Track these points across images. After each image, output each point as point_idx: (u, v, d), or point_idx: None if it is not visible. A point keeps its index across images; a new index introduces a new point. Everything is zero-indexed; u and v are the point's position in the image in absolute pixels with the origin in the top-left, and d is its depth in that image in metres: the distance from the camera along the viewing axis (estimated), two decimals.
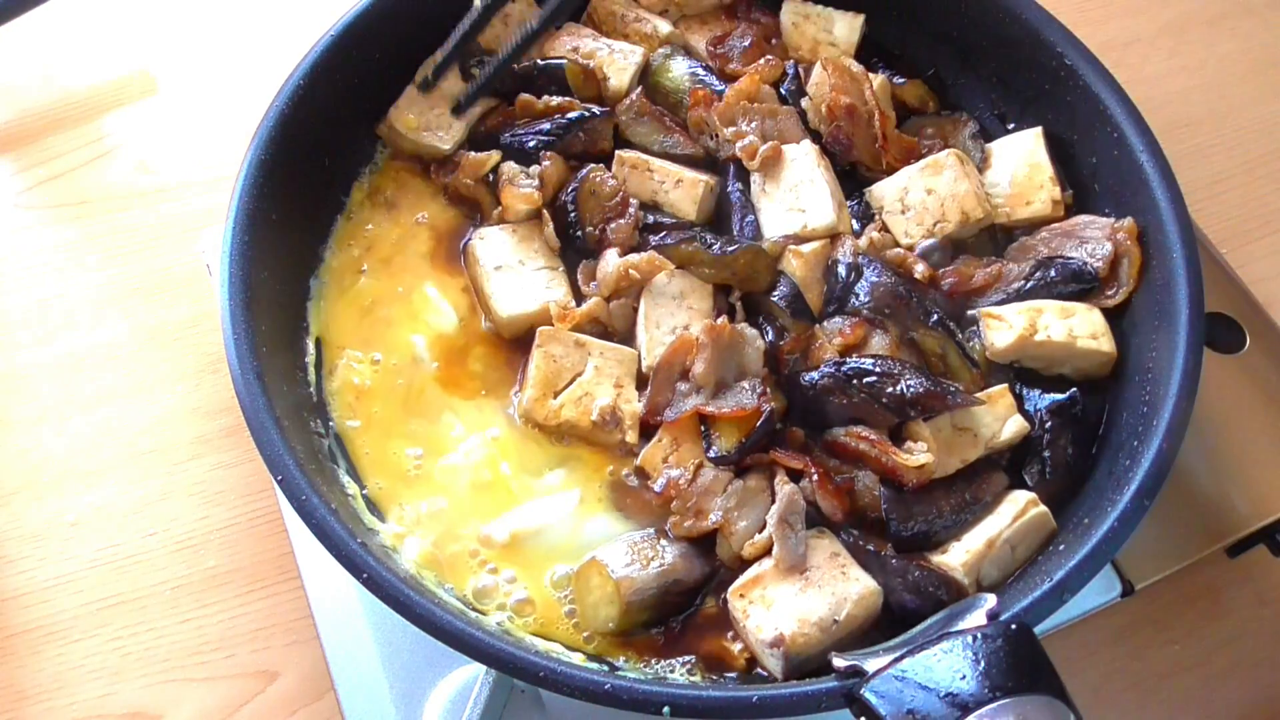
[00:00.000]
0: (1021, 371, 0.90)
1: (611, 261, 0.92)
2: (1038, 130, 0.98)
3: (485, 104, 1.03)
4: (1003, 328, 0.88)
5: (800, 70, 1.04)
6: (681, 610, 0.83)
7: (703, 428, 0.86)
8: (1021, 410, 0.87)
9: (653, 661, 0.81)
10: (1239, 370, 0.99)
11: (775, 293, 0.92)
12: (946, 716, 0.61)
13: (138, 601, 0.97)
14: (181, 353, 1.10)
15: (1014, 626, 0.66)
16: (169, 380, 1.08)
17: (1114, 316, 0.90)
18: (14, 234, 1.17)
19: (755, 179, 0.97)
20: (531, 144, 0.98)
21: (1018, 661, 0.64)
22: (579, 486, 0.88)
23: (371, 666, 0.88)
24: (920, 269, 0.92)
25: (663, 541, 0.84)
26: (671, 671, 0.81)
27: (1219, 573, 0.98)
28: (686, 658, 0.82)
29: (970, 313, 0.92)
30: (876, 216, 0.97)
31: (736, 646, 0.81)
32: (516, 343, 0.94)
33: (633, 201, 0.97)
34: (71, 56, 1.30)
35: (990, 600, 0.71)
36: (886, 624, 0.80)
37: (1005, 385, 0.88)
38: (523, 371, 0.92)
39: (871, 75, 1.00)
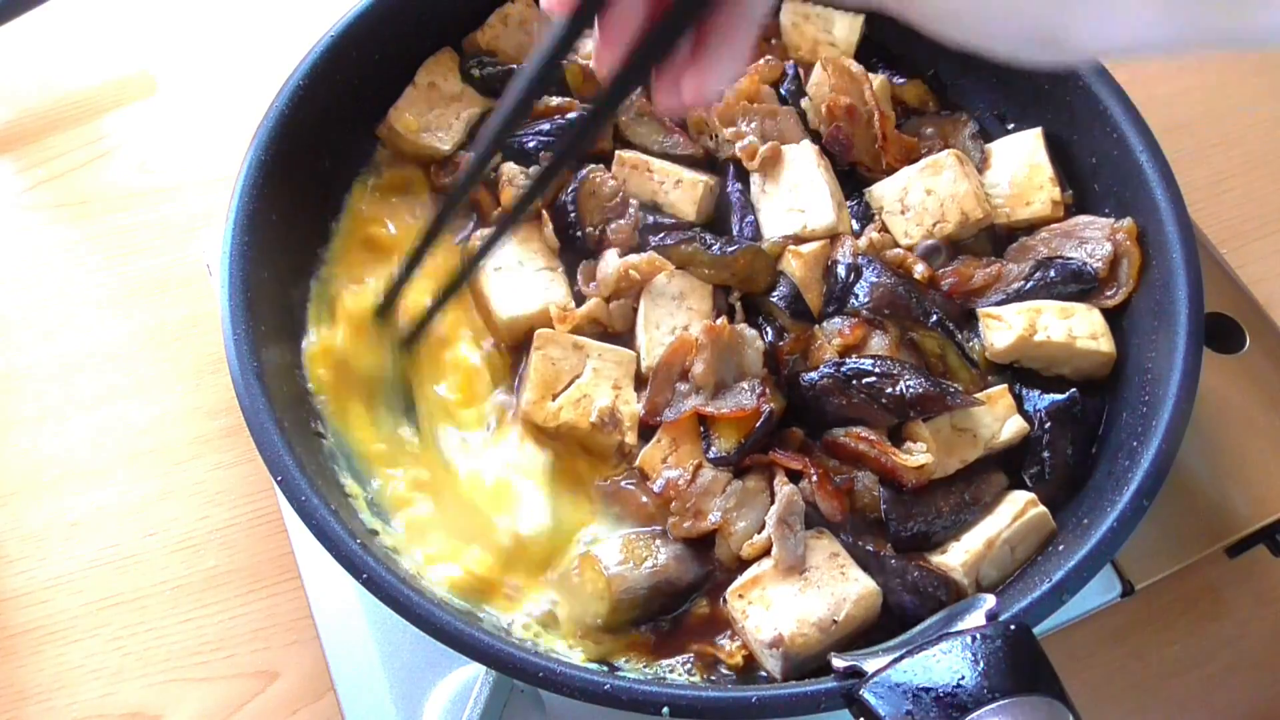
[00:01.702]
0: (1021, 372, 0.90)
1: (611, 262, 0.92)
2: (1038, 130, 0.98)
3: (485, 104, 1.03)
4: (1002, 328, 0.88)
5: (800, 70, 1.04)
6: (670, 611, 0.83)
7: (702, 428, 0.86)
8: (1021, 411, 0.88)
9: (653, 662, 0.81)
10: (1239, 370, 0.99)
11: (775, 293, 0.92)
12: (945, 717, 0.61)
13: (138, 601, 0.97)
14: (181, 353, 1.10)
15: (1013, 627, 0.66)
16: (169, 380, 1.08)
17: (1114, 317, 0.91)
18: (14, 234, 1.17)
19: (755, 179, 0.97)
20: (531, 144, 0.98)
21: (1017, 662, 0.64)
22: (578, 488, 0.88)
23: (371, 666, 0.88)
24: (920, 269, 0.93)
25: (657, 541, 0.84)
26: (671, 672, 0.81)
27: (1219, 573, 0.98)
28: (687, 657, 0.82)
29: (970, 312, 0.92)
30: (876, 217, 0.97)
31: (727, 648, 0.81)
32: (515, 345, 0.94)
33: (632, 202, 0.97)
34: (71, 57, 1.30)
35: (989, 601, 0.71)
36: (886, 624, 0.80)
37: (1005, 386, 0.88)
38: (521, 374, 0.92)
39: (871, 75, 1.00)
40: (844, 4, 0.98)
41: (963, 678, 0.63)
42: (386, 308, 0.89)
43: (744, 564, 0.83)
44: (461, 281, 0.86)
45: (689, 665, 0.81)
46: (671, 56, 0.55)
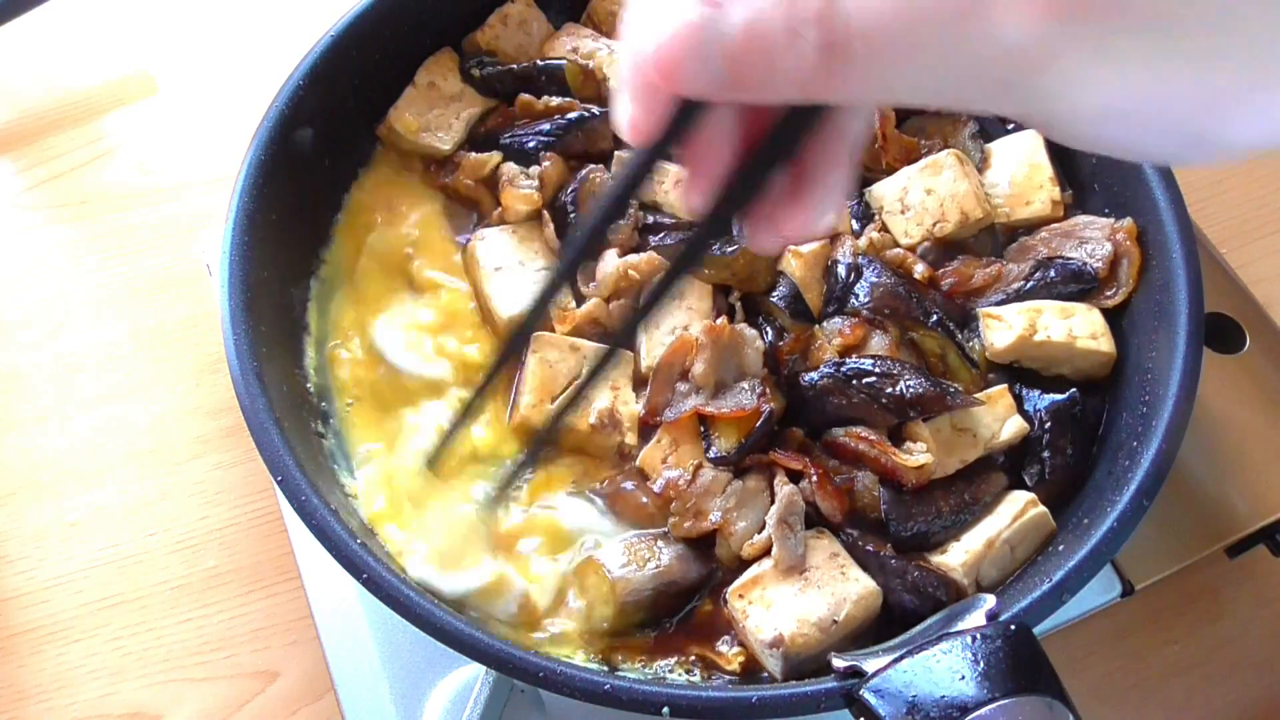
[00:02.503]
0: (1020, 372, 0.90)
1: (611, 262, 0.92)
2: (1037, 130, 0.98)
3: (485, 104, 1.03)
4: (1002, 328, 0.88)
5: None
6: (675, 612, 0.83)
7: (702, 428, 0.86)
8: (1021, 411, 0.87)
9: (653, 662, 0.81)
10: (1239, 370, 0.99)
11: (775, 293, 0.92)
12: (945, 717, 0.61)
13: (138, 601, 0.97)
14: (181, 353, 1.10)
15: (1013, 627, 0.66)
16: (169, 380, 1.08)
17: (1114, 317, 0.90)
18: (14, 234, 1.17)
19: None
20: (531, 144, 0.98)
21: (1017, 662, 0.64)
22: (576, 490, 0.88)
23: (371, 666, 0.88)
24: (920, 269, 0.93)
25: (659, 543, 0.84)
26: (671, 672, 0.81)
27: (1219, 573, 0.98)
28: (688, 656, 0.82)
29: (970, 312, 0.92)
30: (876, 216, 0.97)
31: (728, 650, 0.81)
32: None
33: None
34: (71, 57, 1.30)
35: (989, 601, 0.71)
36: (886, 624, 0.80)
37: (1005, 386, 0.88)
38: (517, 376, 0.91)
39: None
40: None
41: (963, 678, 0.63)
42: (437, 458, 0.87)
43: (744, 564, 0.83)
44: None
45: (689, 665, 0.81)
46: (767, 193, 0.50)
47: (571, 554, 0.85)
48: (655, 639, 0.82)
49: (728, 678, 0.80)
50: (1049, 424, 0.87)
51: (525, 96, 1.01)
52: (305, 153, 0.91)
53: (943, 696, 0.62)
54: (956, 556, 0.81)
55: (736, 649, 0.81)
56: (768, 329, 0.92)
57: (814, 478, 0.83)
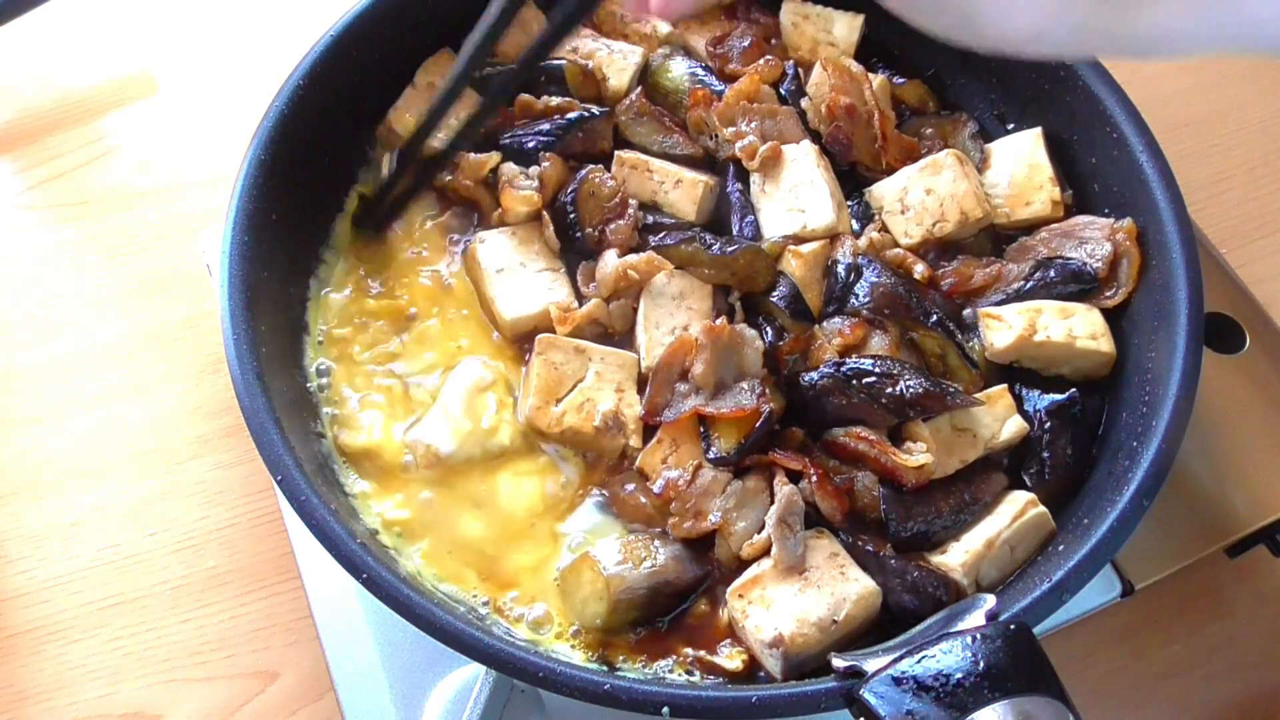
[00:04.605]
0: (1020, 372, 0.90)
1: (611, 262, 0.92)
2: (1037, 130, 0.98)
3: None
4: (1002, 328, 0.88)
5: (800, 70, 1.04)
6: (669, 611, 0.83)
7: (702, 429, 0.86)
8: (1021, 411, 0.88)
9: (652, 662, 0.81)
10: (1239, 370, 0.99)
11: (775, 293, 0.92)
12: (945, 717, 0.61)
13: (138, 601, 0.97)
14: (181, 353, 1.10)
15: (1013, 627, 0.66)
16: (169, 380, 1.08)
17: (1113, 317, 0.91)
18: (14, 234, 1.17)
19: (755, 179, 0.97)
20: (531, 145, 0.98)
21: (1017, 662, 0.64)
22: (577, 490, 0.88)
23: (371, 666, 0.88)
24: (920, 269, 0.93)
25: (656, 542, 0.84)
26: (671, 672, 0.81)
27: (1219, 573, 0.98)
28: (683, 657, 0.82)
29: (969, 313, 0.92)
30: (876, 216, 0.97)
31: (723, 650, 0.81)
32: (520, 343, 0.94)
33: (632, 202, 0.97)
34: (71, 57, 1.30)
35: (989, 600, 0.71)
36: (886, 624, 0.80)
37: (1004, 386, 0.88)
38: (523, 378, 0.92)
39: (871, 75, 1.00)
40: None
41: (963, 677, 0.63)
42: (411, 156, 0.92)
43: (744, 564, 0.83)
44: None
45: (689, 665, 0.81)
46: None
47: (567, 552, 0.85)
48: (646, 636, 0.82)
49: (727, 677, 0.80)
50: (1049, 424, 0.87)
51: (524, 96, 1.01)
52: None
53: (943, 696, 0.62)
54: (956, 556, 0.81)
55: (739, 648, 0.81)
56: (768, 329, 0.92)
57: (814, 478, 0.83)
